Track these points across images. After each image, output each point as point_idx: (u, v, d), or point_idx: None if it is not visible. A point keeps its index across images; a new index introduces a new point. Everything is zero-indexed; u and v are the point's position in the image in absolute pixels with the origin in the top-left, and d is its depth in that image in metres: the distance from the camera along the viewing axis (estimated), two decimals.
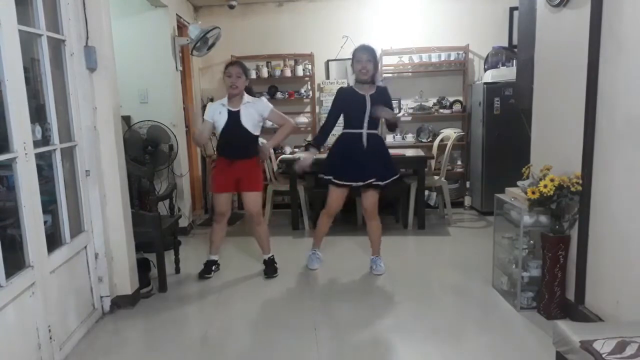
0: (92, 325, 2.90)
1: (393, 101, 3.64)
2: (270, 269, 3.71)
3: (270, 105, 3.55)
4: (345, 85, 5.67)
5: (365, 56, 3.35)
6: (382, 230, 3.70)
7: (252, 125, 3.45)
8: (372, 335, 2.75)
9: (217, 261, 3.79)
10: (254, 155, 3.54)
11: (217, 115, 3.44)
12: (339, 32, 5.60)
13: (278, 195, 5.34)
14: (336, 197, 3.55)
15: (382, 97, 3.44)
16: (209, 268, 3.72)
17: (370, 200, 3.55)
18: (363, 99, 3.39)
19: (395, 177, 3.53)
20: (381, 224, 3.68)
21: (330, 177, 3.51)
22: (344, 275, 3.66)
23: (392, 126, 3.51)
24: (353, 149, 3.42)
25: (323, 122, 3.69)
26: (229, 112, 3.42)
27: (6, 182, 2.46)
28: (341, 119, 3.53)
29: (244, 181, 3.54)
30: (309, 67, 5.69)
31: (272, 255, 3.77)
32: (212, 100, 5.85)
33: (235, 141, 3.45)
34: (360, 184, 3.46)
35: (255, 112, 3.45)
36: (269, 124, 3.83)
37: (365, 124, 3.40)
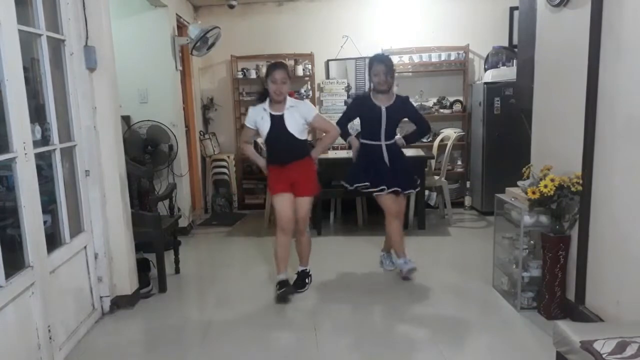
0: (92, 325, 2.90)
1: None
2: (300, 282, 3.38)
3: (315, 110, 3.33)
4: (346, 84, 5.68)
5: (382, 68, 3.28)
6: (379, 230, 3.68)
7: (298, 130, 3.19)
8: (372, 336, 2.75)
9: (287, 281, 3.30)
10: (306, 156, 3.29)
11: (259, 120, 3.21)
12: (339, 32, 5.59)
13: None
14: (384, 201, 3.42)
15: (402, 109, 3.42)
16: (286, 289, 3.23)
17: (402, 204, 3.53)
18: (380, 110, 3.35)
19: (412, 190, 3.55)
20: (381, 224, 3.68)
21: (359, 184, 3.41)
22: (344, 275, 3.66)
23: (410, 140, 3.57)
24: (375, 160, 3.41)
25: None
26: (272, 116, 3.18)
27: (6, 182, 2.46)
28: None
29: (299, 184, 3.26)
30: (309, 67, 5.69)
31: (308, 269, 3.45)
32: (212, 100, 5.88)
33: (282, 147, 3.23)
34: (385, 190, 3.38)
35: (299, 117, 3.19)
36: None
37: (383, 136, 3.39)
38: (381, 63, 3.30)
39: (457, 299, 3.18)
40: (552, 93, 2.93)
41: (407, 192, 3.50)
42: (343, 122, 3.49)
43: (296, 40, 5.68)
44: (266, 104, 3.21)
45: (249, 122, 3.29)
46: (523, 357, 2.45)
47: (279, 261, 3.34)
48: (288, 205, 3.24)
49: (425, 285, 3.43)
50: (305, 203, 3.30)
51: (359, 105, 3.48)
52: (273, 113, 3.18)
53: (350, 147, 3.59)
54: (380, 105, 3.35)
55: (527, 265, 2.91)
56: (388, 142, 3.42)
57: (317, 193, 3.39)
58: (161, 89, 4.70)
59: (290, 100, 3.22)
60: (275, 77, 3.11)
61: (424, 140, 5.56)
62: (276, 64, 3.24)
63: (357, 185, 3.42)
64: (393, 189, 3.38)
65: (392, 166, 3.41)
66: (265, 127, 3.19)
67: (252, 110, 3.28)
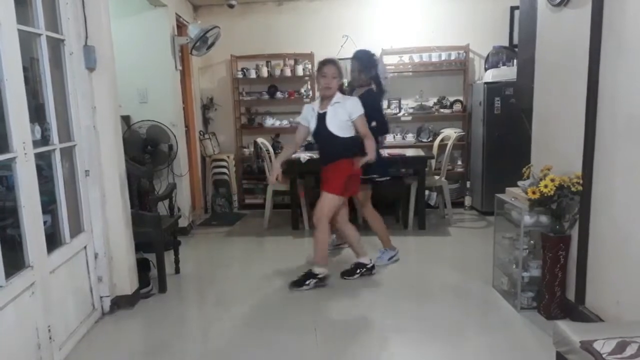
0: (92, 325, 2.90)
1: (393, 101, 3.65)
2: (301, 279, 3.37)
3: (361, 110, 3.24)
4: (346, 84, 5.68)
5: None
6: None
7: (338, 127, 3.19)
8: (372, 335, 2.75)
9: (367, 265, 3.50)
10: (341, 158, 3.26)
11: (310, 118, 3.29)
12: (339, 31, 5.58)
13: (278, 195, 5.33)
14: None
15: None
16: (353, 270, 3.50)
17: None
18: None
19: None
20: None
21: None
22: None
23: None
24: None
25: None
26: (318, 114, 3.25)
27: (6, 182, 2.46)
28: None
29: (324, 180, 3.34)
30: (309, 66, 5.68)
31: (314, 270, 3.37)
32: (211, 100, 5.87)
33: (321, 145, 3.28)
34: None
35: (343, 112, 3.19)
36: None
37: None
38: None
39: (457, 299, 3.18)
40: (552, 93, 2.93)
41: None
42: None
43: (296, 40, 5.68)
44: (316, 102, 3.31)
45: (301, 119, 3.35)
46: (523, 357, 2.45)
47: (353, 247, 3.55)
48: (322, 201, 3.34)
49: (425, 285, 3.43)
50: (322, 201, 3.28)
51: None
52: (319, 111, 3.25)
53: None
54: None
55: (527, 265, 2.91)
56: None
57: (339, 193, 3.27)
58: (161, 89, 4.70)
59: (337, 97, 3.23)
60: (326, 72, 3.17)
61: (424, 140, 5.60)
62: (327, 59, 3.29)
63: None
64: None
65: None
66: (312, 124, 3.27)
67: (305, 108, 3.37)
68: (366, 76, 3.62)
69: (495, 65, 5.23)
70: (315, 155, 3.56)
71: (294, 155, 4.46)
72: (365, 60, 3.62)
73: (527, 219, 2.80)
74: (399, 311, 3.04)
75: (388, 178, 3.85)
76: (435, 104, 5.67)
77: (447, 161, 5.01)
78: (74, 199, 2.84)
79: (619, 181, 2.34)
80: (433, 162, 5.27)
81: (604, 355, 1.60)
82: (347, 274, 3.53)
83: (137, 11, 4.57)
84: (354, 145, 3.28)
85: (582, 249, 2.62)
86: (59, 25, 2.70)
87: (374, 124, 3.48)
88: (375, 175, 3.71)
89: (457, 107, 5.61)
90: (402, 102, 5.68)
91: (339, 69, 3.21)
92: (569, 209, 2.70)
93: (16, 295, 2.15)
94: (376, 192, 3.87)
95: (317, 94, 3.24)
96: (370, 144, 3.25)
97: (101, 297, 3.03)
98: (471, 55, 5.58)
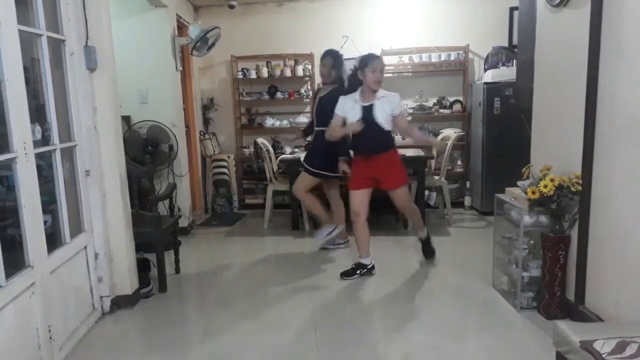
0: (92, 325, 2.90)
1: None
2: (427, 248, 3.80)
3: (403, 106, 3.50)
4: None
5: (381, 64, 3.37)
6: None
7: (385, 120, 3.35)
8: (372, 335, 2.75)
9: (367, 266, 3.57)
10: (390, 148, 3.46)
11: (349, 110, 3.37)
12: (339, 32, 5.59)
13: (278, 195, 5.34)
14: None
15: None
16: (354, 270, 3.56)
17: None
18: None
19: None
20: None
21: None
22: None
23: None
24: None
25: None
26: (363, 107, 3.33)
27: (6, 182, 2.46)
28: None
29: (386, 179, 3.42)
30: (309, 67, 5.68)
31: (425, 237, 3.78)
32: (212, 100, 5.88)
33: (370, 138, 3.36)
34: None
35: (389, 108, 3.34)
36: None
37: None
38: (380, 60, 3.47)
39: (457, 298, 3.18)
40: (551, 93, 2.93)
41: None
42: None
43: (296, 40, 5.69)
44: (356, 95, 3.35)
45: (338, 110, 3.42)
46: (523, 357, 2.45)
47: (360, 247, 3.58)
48: (362, 200, 3.46)
49: (425, 285, 3.43)
50: (399, 195, 3.48)
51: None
52: (363, 104, 3.33)
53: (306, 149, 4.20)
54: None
55: (527, 265, 2.92)
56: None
57: (407, 181, 3.55)
58: (161, 89, 4.70)
59: (381, 92, 3.35)
60: (375, 67, 3.26)
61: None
62: (373, 54, 3.38)
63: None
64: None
65: None
66: (355, 116, 3.34)
67: (342, 99, 3.44)
68: (336, 74, 3.85)
69: (494, 66, 5.24)
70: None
71: (293, 155, 4.49)
72: (337, 59, 3.87)
73: (527, 219, 2.81)
74: (399, 311, 3.04)
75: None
76: (435, 104, 5.67)
77: (446, 161, 5.01)
78: (75, 199, 2.84)
79: (618, 181, 2.34)
80: (433, 162, 5.27)
81: (603, 355, 1.61)
82: (347, 274, 3.55)
83: (137, 12, 4.57)
84: (393, 140, 3.53)
85: (582, 248, 2.63)
86: (59, 26, 2.71)
87: None
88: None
89: (457, 107, 5.61)
90: (402, 102, 5.67)
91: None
92: (568, 209, 2.71)
93: (16, 295, 2.15)
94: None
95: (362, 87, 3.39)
96: (419, 133, 3.76)
97: (101, 297, 3.03)
98: (471, 55, 5.59)
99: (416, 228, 3.80)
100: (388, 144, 3.44)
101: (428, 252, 3.81)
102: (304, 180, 4.08)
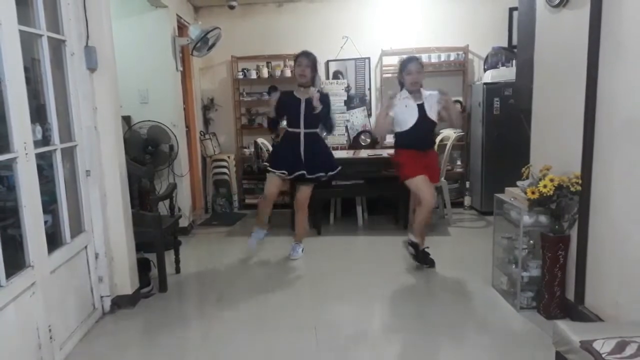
0: (92, 325, 2.90)
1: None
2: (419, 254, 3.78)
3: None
4: (346, 85, 5.69)
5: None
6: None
7: (435, 117, 3.60)
8: (372, 335, 2.76)
9: (424, 249, 3.75)
10: (434, 144, 3.87)
11: (402, 109, 3.56)
12: (339, 32, 5.60)
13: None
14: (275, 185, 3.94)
15: (323, 102, 3.80)
16: (423, 256, 3.72)
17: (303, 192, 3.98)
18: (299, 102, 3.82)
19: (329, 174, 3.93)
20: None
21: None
22: (344, 275, 3.67)
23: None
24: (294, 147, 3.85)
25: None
26: (418, 105, 3.55)
27: (6, 182, 2.47)
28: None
29: (433, 173, 3.71)
30: None
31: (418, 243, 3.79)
32: (212, 100, 5.88)
33: (424, 133, 3.62)
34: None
35: (435, 105, 3.57)
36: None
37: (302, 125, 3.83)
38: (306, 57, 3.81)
39: (456, 298, 3.18)
40: (551, 93, 2.94)
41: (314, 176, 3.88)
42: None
43: (296, 40, 5.68)
44: (403, 94, 3.60)
45: (389, 109, 3.60)
46: (522, 356, 2.45)
47: (416, 231, 3.75)
48: (427, 183, 3.60)
49: (425, 285, 3.44)
50: (432, 189, 3.68)
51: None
52: (418, 103, 3.56)
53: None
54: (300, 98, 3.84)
55: (527, 265, 2.92)
56: (307, 131, 3.84)
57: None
58: (162, 90, 4.71)
59: (424, 91, 3.61)
60: (411, 70, 3.51)
61: None
62: (410, 57, 3.68)
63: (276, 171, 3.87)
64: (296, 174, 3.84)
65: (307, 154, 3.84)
66: (409, 115, 3.55)
67: (393, 100, 3.63)
68: (313, 76, 3.95)
69: (494, 66, 5.24)
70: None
71: None
72: (315, 61, 3.97)
73: (527, 219, 2.81)
74: (399, 311, 3.05)
75: (334, 172, 4.00)
76: None
77: (446, 161, 5.02)
78: (75, 199, 2.85)
79: (617, 181, 2.35)
80: None
81: (603, 355, 1.61)
82: (418, 259, 3.72)
83: (138, 12, 4.58)
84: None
85: (582, 248, 2.63)
86: (60, 26, 2.71)
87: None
88: (321, 174, 3.91)
89: (457, 107, 5.61)
90: None
91: (421, 64, 3.63)
92: (568, 209, 2.71)
93: (17, 295, 2.16)
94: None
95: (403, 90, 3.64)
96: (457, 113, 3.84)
97: (102, 297, 3.04)
98: (470, 56, 5.59)
99: (418, 228, 3.73)
100: (434, 139, 3.83)
101: (420, 257, 3.71)
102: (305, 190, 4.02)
